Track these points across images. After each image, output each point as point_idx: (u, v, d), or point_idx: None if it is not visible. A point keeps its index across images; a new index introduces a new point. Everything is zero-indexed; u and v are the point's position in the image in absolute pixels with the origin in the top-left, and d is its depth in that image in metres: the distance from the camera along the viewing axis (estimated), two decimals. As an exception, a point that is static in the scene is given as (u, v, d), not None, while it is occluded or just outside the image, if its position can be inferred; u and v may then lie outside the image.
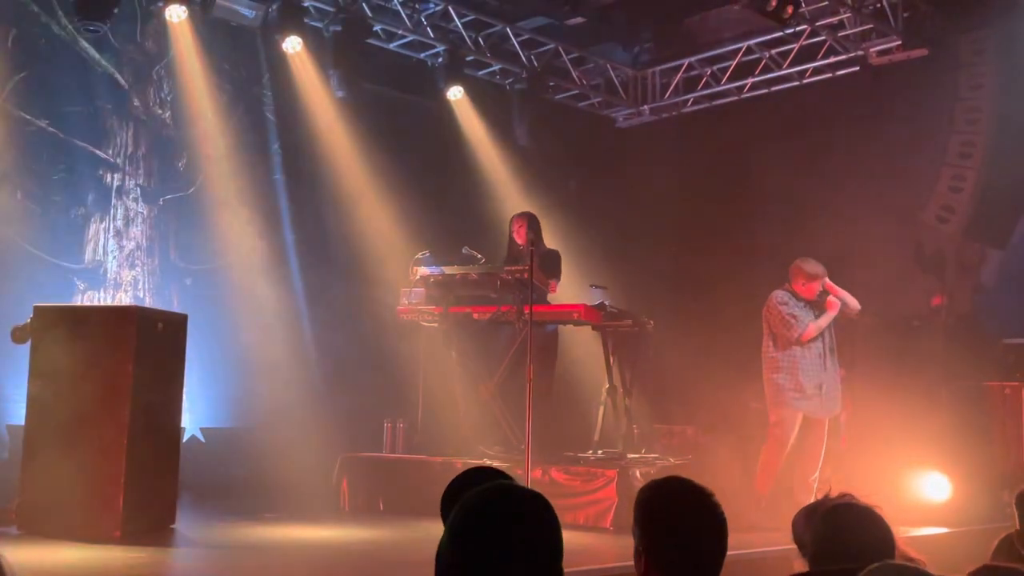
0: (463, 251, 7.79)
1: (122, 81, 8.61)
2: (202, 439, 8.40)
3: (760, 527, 6.18)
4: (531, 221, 7.87)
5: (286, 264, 9.32)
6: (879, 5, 8.97)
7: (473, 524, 1.80)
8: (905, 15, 9.00)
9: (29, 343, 5.98)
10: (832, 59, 9.65)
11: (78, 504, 5.64)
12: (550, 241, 8.11)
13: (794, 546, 3.02)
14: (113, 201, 8.55)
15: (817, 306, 6.93)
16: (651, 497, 2.34)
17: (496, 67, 10.09)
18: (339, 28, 8.70)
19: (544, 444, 7.03)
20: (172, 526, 6.11)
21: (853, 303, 6.95)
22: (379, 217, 9.40)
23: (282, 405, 8.52)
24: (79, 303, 8.07)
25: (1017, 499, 3.33)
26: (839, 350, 7.04)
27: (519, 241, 7.81)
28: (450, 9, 9.31)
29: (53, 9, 8.15)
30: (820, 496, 3.30)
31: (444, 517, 1.93)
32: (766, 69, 10.09)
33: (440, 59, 9.52)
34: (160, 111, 8.87)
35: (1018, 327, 8.53)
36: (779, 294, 6.96)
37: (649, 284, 9.68)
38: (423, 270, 7.67)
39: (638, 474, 6.80)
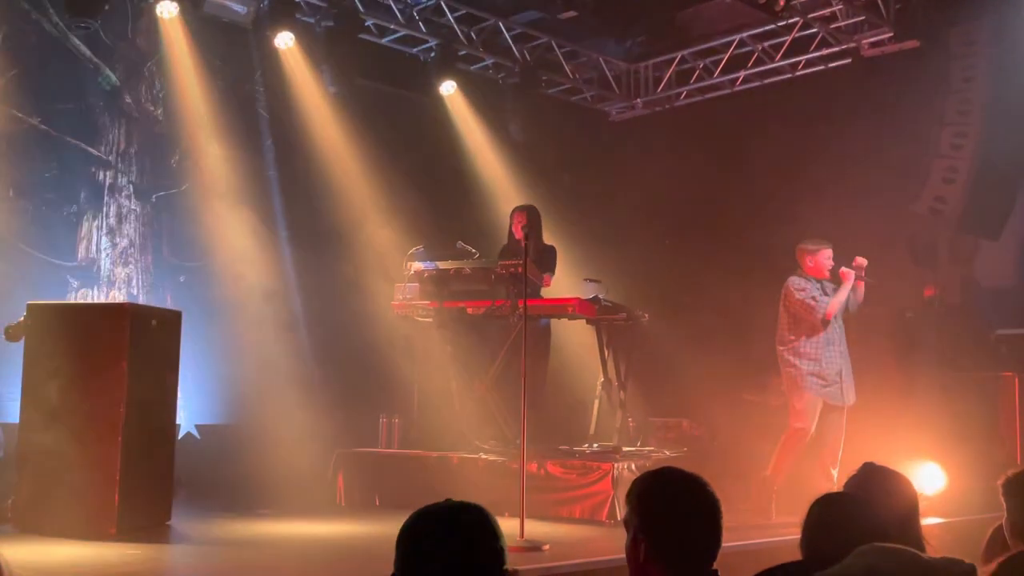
0: (457, 246, 7.79)
1: (114, 78, 8.59)
2: (197, 436, 8.40)
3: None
4: (531, 214, 7.85)
5: (280, 260, 9.31)
6: (871, -3, 8.98)
7: (415, 537, 2.00)
8: (897, 7, 9.00)
9: (23, 341, 5.98)
10: (824, 51, 9.65)
11: (73, 502, 5.64)
12: (544, 235, 8.10)
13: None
14: (106, 198, 8.54)
15: (830, 286, 6.96)
16: (648, 486, 2.37)
17: (489, 61, 10.08)
18: (331, 23, 8.68)
19: (539, 438, 7.04)
20: (167, 523, 6.12)
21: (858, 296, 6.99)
22: (372, 212, 9.39)
23: (277, 401, 8.51)
24: (73, 301, 8.06)
25: (1003, 487, 3.34)
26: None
27: (517, 235, 7.81)
28: (442, 3, 9.29)
29: (44, 6, 8.12)
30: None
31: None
32: (759, 62, 10.09)
33: (432, 54, 9.50)
34: (152, 108, 8.85)
35: (1011, 318, 8.56)
36: (794, 280, 6.96)
37: (643, 277, 9.68)
38: (417, 265, 7.67)
39: (633, 467, 6.81)
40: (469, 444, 7.40)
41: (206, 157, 9.00)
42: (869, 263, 7.04)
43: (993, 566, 2.27)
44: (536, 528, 5.72)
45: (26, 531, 5.64)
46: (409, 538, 2.01)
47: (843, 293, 6.89)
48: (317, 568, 5.41)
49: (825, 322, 6.84)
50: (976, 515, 6.10)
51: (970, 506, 6.49)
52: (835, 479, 6.73)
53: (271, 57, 9.04)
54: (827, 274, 6.98)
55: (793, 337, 6.93)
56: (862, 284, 6.96)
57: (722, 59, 10.27)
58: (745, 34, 9.95)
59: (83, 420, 5.73)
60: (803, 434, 6.87)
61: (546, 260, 7.81)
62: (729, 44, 10.14)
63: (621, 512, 6.20)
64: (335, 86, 8.75)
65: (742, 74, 10.26)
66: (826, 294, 6.92)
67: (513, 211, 8.05)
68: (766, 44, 9.98)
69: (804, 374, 6.86)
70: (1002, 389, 7.84)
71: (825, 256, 6.95)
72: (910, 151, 9.50)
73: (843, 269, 6.92)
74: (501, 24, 9.74)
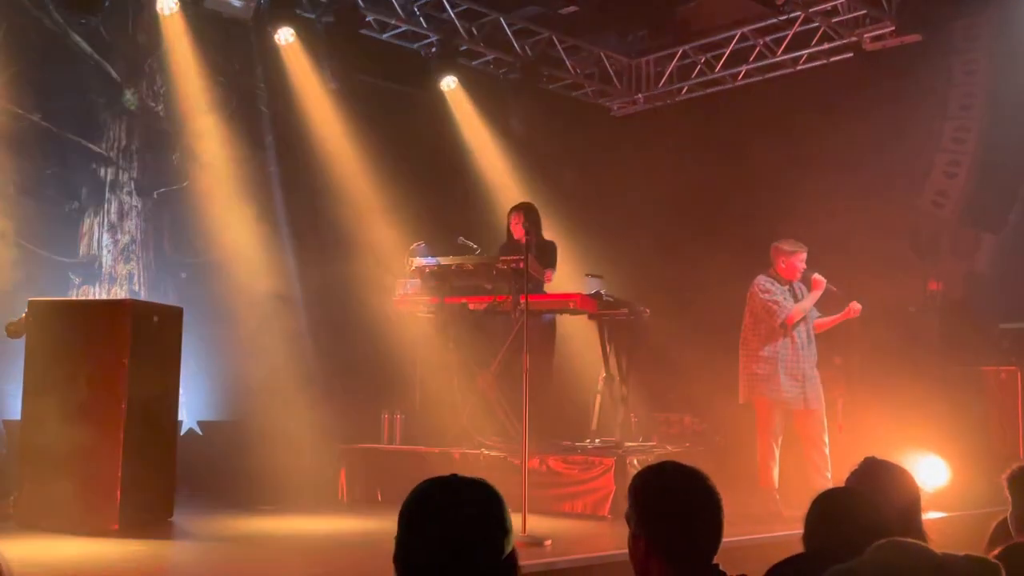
0: (458, 241, 7.78)
1: (114, 75, 8.58)
2: (199, 432, 8.39)
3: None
4: (528, 212, 7.84)
5: (281, 256, 9.30)
6: (872, -10, 8.96)
7: (416, 508, 1.91)
8: (898, 0, 8.98)
9: (24, 338, 5.98)
10: (826, 45, 9.62)
11: (75, 498, 5.65)
12: (545, 231, 8.09)
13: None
14: (107, 195, 8.54)
15: (801, 290, 6.91)
16: (647, 481, 2.36)
17: (490, 57, 10.07)
18: (331, 19, 8.67)
19: (541, 433, 7.03)
20: (170, 519, 6.12)
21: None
22: (373, 208, 9.38)
23: (279, 397, 8.50)
24: (74, 297, 8.06)
25: (1008, 481, 3.34)
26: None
27: (516, 235, 7.80)
28: (443, -1, 9.29)
29: (44, 3, 8.11)
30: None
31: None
32: (760, 56, 10.07)
33: (433, 49, 9.49)
34: (153, 104, 8.84)
35: (1014, 311, 8.54)
36: (761, 280, 6.89)
37: (645, 272, 9.67)
38: (419, 261, 7.66)
39: (635, 462, 6.80)
40: (471, 440, 7.39)
41: (207, 153, 9.00)
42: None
43: (994, 554, 2.26)
44: (538, 523, 5.71)
45: (28, 527, 5.64)
46: (413, 506, 1.92)
47: (810, 301, 6.82)
48: (319, 564, 5.41)
49: (784, 326, 6.76)
50: (978, 509, 6.10)
51: (972, 500, 6.48)
52: (831, 480, 6.69)
53: (271, 53, 9.04)
54: (798, 276, 6.93)
55: (754, 339, 6.87)
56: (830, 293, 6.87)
57: (723, 54, 10.26)
58: (746, 28, 9.93)
59: (85, 417, 5.73)
60: (768, 437, 6.81)
61: (547, 256, 7.80)
62: (730, 38, 10.12)
63: (623, 507, 6.20)
64: (336, 82, 8.75)
65: (743, 68, 10.25)
66: (795, 297, 6.87)
67: (510, 211, 8.03)
68: (767, 38, 9.95)
69: (757, 379, 6.80)
70: (1005, 383, 7.84)
71: (799, 259, 6.88)
72: (912, 145, 9.48)
73: (815, 276, 6.84)
74: (502, 19, 9.72)
